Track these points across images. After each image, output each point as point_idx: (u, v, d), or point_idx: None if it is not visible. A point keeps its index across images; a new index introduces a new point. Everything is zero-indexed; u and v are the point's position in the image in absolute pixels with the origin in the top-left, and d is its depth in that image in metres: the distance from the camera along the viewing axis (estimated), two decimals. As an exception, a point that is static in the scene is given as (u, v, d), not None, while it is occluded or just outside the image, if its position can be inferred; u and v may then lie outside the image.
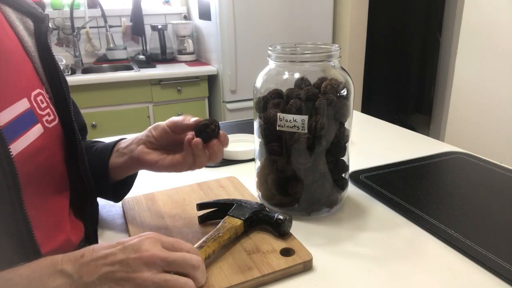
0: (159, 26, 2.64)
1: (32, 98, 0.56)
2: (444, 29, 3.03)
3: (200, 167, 0.61)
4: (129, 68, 2.54)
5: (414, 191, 0.77)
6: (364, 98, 2.75)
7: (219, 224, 0.60)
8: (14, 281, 0.42)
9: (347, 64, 2.51)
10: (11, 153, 0.47)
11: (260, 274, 0.52)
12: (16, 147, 0.51)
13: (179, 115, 0.63)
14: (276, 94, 0.66)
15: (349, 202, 0.75)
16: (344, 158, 0.70)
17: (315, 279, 0.54)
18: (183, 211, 0.70)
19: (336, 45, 0.67)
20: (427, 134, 1.24)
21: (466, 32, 1.89)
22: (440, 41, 3.12)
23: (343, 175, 0.71)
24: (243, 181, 0.81)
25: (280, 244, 0.59)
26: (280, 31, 2.35)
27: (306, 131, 0.62)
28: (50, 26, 2.49)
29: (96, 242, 0.66)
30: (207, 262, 0.54)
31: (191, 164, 0.60)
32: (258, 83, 0.69)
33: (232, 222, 0.60)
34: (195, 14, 2.72)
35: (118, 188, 0.71)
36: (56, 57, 0.62)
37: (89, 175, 0.65)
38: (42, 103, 0.58)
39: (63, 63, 2.40)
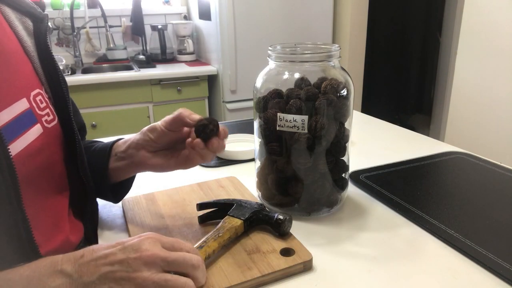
0: (159, 26, 2.64)
1: (31, 98, 0.56)
2: (444, 29, 3.03)
3: (205, 162, 0.63)
4: (129, 68, 2.54)
5: (414, 191, 0.77)
6: (364, 98, 2.74)
7: (219, 224, 0.60)
8: (14, 281, 0.42)
9: (347, 64, 2.51)
10: (10, 153, 0.47)
11: (260, 274, 0.52)
12: (16, 147, 0.51)
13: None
14: (276, 94, 0.66)
15: (349, 202, 0.75)
16: (344, 158, 0.70)
17: (315, 279, 0.54)
18: (183, 211, 0.70)
19: (336, 45, 0.67)
20: (427, 134, 1.24)
21: (466, 32, 1.89)
22: (440, 41, 3.12)
23: (343, 175, 0.71)
24: (243, 181, 0.81)
25: (280, 244, 0.59)
26: (280, 31, 2.35)
27: (306, 131, 0.62)
28: (50, 26, 2.49)
29: (96, 242, 0.66)
30: (207, 262, 0.54)
31: (196, 162, 0.63)
32: (258, 83, 0.69)
33: (232, 222, 0.60)
34: (195, 14, 2.72)
35: (117, 189, 0.71)
36: (56, 57, 0.62)
37: (89, 175, 0.65)
38: (42, 103, 0.58)
39: (63, 63, 2.40)
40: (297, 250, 0.57)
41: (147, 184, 0.82)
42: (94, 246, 0.46)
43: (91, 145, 0.71)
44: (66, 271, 0.43)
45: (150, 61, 2.58)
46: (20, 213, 0.48)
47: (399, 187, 0.79)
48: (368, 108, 2.80)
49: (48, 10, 2.55)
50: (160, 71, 2.37)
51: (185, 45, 2.69)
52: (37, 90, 0.58)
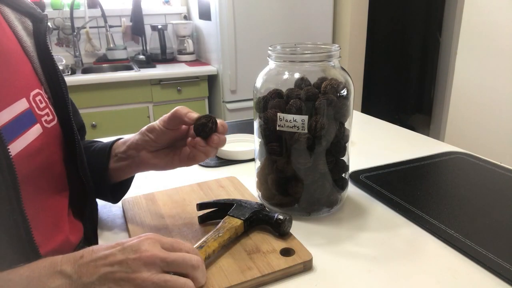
0: (159, 26, 2.64)
1: (31, 98, 0.56)
2: (444, 29, 3.03)
3: (208, 157, 0.63)
4: (129, 68, 2.54)
5: (414, 191, 0.77)
6: (364, 98, 2.74)
7: (219, 224, 0.60)
8: (13, 282, 0.42)
9: (347, 64, 2.51)
10: (10, 153, 0.47)
11: (260, 274, 0.52)
12: (15, 147, 0.50)
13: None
14: (276, 94, 0.66)
15: (349, 202, 0.75)
16: (344, 158, 0.70)
17: (315, 279, 0.54)
18: (183, 211, 0.70)
19: (336, 45, 0.67)
20: (427, 134, 1.24)
21: (466, 32, 1.89)
22: (440, 41, 3.12)
23: (343, 175, 0.71)
24: (243, 181, 0.81)
25: (280, 244, 0.59)
26: (280, 31, 2.35)
27: (306, 131, 0.62)
28: (50, 26, 2.49)
29: (96, 242, 0.66)
30: (207, 262, 0.54)
31: (199, 159, 0.63)
32: (258, 83, 0.69)
33: (232, 222, 0.60)
34: (195, 14, 2.72)
35: (117, 189, 0.71)
36: (56, 57, 0.62)
37: (88, 175, 0.65)
38: (41, 103, 0.58)
39: (63, 63, 2.40)
40: (297, 250, 0.57)
41: (147, 184, 0.82)
42: (93, 247, 0.46)
43: (90, 145, 0.71)
44: (65, 272, 0.43)
45: (150, 61, 2.58)
46: (20, 213, 0.48)
47: (399, 187, 0.79)
48: (368, 108, 2.80)
49: (48, 10, 2.55)
50: (160, 71, 2.37)
51: (185, 45, 2.69)
52: (37, 90, 0.58)
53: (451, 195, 0.76)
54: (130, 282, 0.43)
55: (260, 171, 0.73)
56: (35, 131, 0.55)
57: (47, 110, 0.59)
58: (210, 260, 0.55)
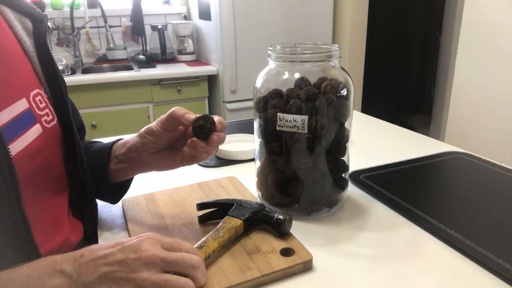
0: (159, 26, 2.64)
1: (31, 98, 0.56)
2: (444, 29, 3.03)
3: (210, 155, 0.64)
4: (129, 68, 2.54)
5: (414, 191, 0.77)
6: (364, 98, 2.74)
7: (219, 224, 0.60)
8: (14, 281, 0.42)
9: (347, 64, 2.51)
10: (10, 153, 0.47)
11: (260, 274, 0.52)
12: (15, 147, 0.51)
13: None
14: (276, 94, 0.66)
15: (349, 202, 0.75)
16: (344, 158, 0.70)
17: (315, 279, 0.54)
18: (183, 211, 0.70)
19: (336, 45, 0.67)
20: (427, 134, 1.24)
21: (466, 32, 1.89)
22: (440, 41, 3.12)
23: (343, 175, 0.71)
24: (243, 181, 0.81)
25: (280, 244, 0.59)
26: (280, 31, 2.35)
27: (306, 131, 0.62)
28: (50, 26, 2.49)
29: (96, 242, 0.66)
30: (207, 262, 0.54)
31: (200, 158, 0.63)
32: (258, 83, 0.69)
33: (232, 222, 0.60)
34: (195, 14, 2.72)
35: (116, 189, 0.71)
36: (56, 57, 0.62)
37: (88, 175, 0.65)
38: (41, 103, 0.58)
39: (63, 63, 2.40)
40: (297, 250, 0.57)
41: (147, 184, 0.82)
42: (93, 246, 0.46)
43: (90, 145, 0.71)
44: (65, 271, 0.43)
45: (150, 61, 2.58)
46: (20, 213, 0.48)
47: (399, 187, 0.79)
48: (368, 108, 2.80)
49: (48, 10, 2.55)
50: (160, 71, 2.37)
51: (185, 45, 2.69)
52: (37, 90, 0.58)
53: (451, 195, 0.76)
54: (129, 282, 0.43)
55: (260, 171, 0.73)
56: (35, 131, 0.55)
57: (47, 110, 0.59)
58: (210, 260, 0.55)
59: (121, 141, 0.68)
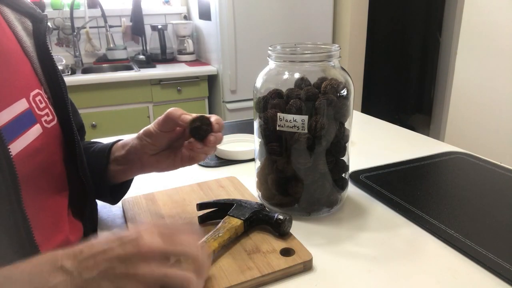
0: (159, 26, 2.64)
1: (30, 98, 0.56)
2: (444, 29, 3.03)
3: (208, 155, 0.64)
4: (129, 68, 2.54)
5: (414, 191, 0.77)
6: (364, 98, 2.74)
7: (219, 224, 0.60)
8: (15, 278, 0.42)
9: (347, 64, 2.51)
10: (10, 153, 0.47)
11: (260, 274, 0.52)
12: (15, 147, 0.51)
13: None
14: (276, 94, 0.66)
15: (349, 202, 0.75)
16: (344, 158, 0.70)
17: (315, 279, 0.54)
18: (183, 211, 0.70)
19: (336, 45, 0.67)
20: (427, 134, 1.24)
21: (466, 32, 1.89)
22: (440, 41, 3.12)
23: (343, 175, 0.71)
24: (243, 181, 0.81)
25: (280, 244, 0.59)
26: (280, 31, 2.35)
27: (306, 131, 0.62)
28: (50, 26, 2.49)
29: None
30: (207, 262, 0.54)
31: (199, 159, 0.64)
32: (258, 83, 0.69)
33: (232, 222, 0.60)
34: (195, 14, 2.72)
35: (116, 190, 0.71)
36: (56, 57, 0.62)
37: (88, 175, 0.65)
38: (41, 103, 0.58)
39: (63, 63, 2.40)
40: (297, 250, 0.57)
41: (147, 184, 0.82)
42: (93, 241, 0.46)
43: (90, 146, 0.71)
44: (66, 268, 0.43)
45: (150, 61, 2.58)
46: (20, 213, 0.48)
47: (399, 187, 0.79)
48: (368, 108, 2.80)
49: (48, 10, 2.55)
50: (160, 71, 2.37)
51: (185, 45, 2.69)
52: (37, 90, 0.58)
53: (451, 195, 0.76)
54: (129, 277, 0.43)
55: (260, 171, 0.73)
56: (35, 131, 0.55)
57: (47, 110, 0.59)
58: (210, 260, 0.55)
59: (121, 142, 0.68)
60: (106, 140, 0.72)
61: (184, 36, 2.71)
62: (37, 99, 0.57)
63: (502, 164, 0.88)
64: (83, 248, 0.44)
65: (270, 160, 0.69)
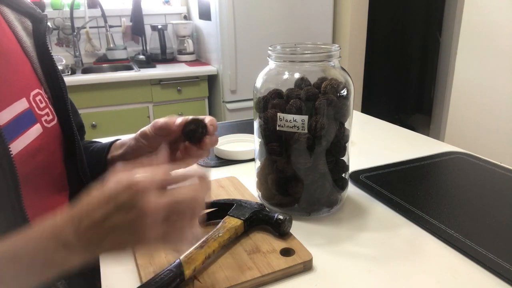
0: (159, 26, 2.64)
1: (31, 98, 0.56)
2: (444, 29, 3.03)
3: (204, 157, 0.63)
4: (129, 68, 2.54)
5: (414, 191, 0.77)
6: (364, 98, 2.74)
7: (219, 224, 0.60)
8: (20, 255, 0.41)
9: (347, 64, 2.51)
10: (11, 153, 0.47)
11: (260, 274, 0.52)
12: (16, 146, 0.51)
13: (179, 114, 0.63)
14: (276, 94, 0.66)
15: (349, 202, 0.75)
16: (344, 158, 0.70)
17: (315, 279, 0.54)
18: (183, 211, 0.70)
19: (336, 45, 0.67)
20: (427, 134, 1.24)
21: (466, 32, 1.89)
22: (440, 41, 3.12)
23: (343, 175, 0.71)
24: (243, 181, 0.81)
25: (280, 244, 0.59)
26: (280, 31, 2.35)
27: (306, 131, 0.62)
28: (50, 26, 2.49)
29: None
30: (207, 262, 0.54)
31: (194, 161, 0.62)
32: (258, 83, 0.69)
33: (232, 222, 0.60)
34: (195, 14, 2.72)
35: None
36: (55, 57, 0.62)
37: (88, 175, 0.65)
38: (41, 103, 0.58)
39: (63, 63, 2.40)
40: (297, 250, 0.57)
41: (147, 184, 0.82)
42: (88, 203, 0.43)
43: (89, 145, 0.71)
44: (69, 244, 0.42)
45: (150, 61, 2.58)
46: (20, 212, 0.48)
47: (399, 187, 0.79)
48: (368, 108, 2.80)
49: (48, 10, 2.55)
50: (160, 71, 2.37)
51: (185, 45, 2.69)
52: (37, 90, 0.58)
53: (451, 195, 0.76)
54: (134, 241, 0.43)
55: (260, 171, 0.73)
56: (35, 130, 0.55)
57: (47, 110, 0.59)
58: (210, 260, 0.55)
59: (119, 142, 0.68)
60: (105, 140, 0.72)
61: (184, 36, 2.71)
62: (37, 98, 0.57)
63: (502, 164, 0.88)
64: (81, 216, 0.42)
65: (270, 160, 0.69)
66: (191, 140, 0.58)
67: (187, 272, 0.50)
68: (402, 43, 3.40)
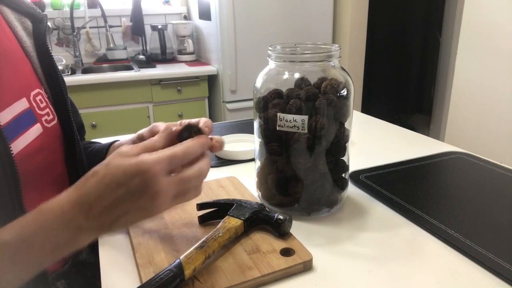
0: (159, 26, 2.64)
1: (31, 98, 0.56)
2: (444, 29, 3.04)
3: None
4: (129, 68, 2.54)
5: (414, 191, 0.77)
6: (364, 98, 2.75)
7: (219, 224, 0.60)
8: (31, 241, 0.41)
9: (347, 64, 2.51)
10: (12, 152, 0.47)
11: (260, 274, 0.52)
12: (16, 146, 0.51)
13: (179, 115, 0.63)
14: (276, 94, 0.66)
15: (349, 202, 0.75)
16: (344, 158, 0.70)
17: (315, 279, 0.54)
18: (183, 211, 0.70)
19: (336, 45, 0.67)
20: (427, 134, 1.24)
21: (466, 32, 1.89)
22: (440, 41, 3.12)
23: (343, 175, 0.71)
24: (243, 181, 0.81)
25: (280, 244, 0.59)
26: (280, 31, 2.35)
27: (306, 131, 0.62)
28: (50, 26, 2.49)
29: (96, 243, 0.66)
30: (207, 262, 0.54)
31: None
32: (258, 83, 0.69)
33: (232, 222, 0.60)
34: (195, 14, 2.72)
35: None
36: (55, 57, 0.62)
37: (88, 175, 0.65)
38: (41, 102, 0.58)
39: (63, 63, 2.40)
40: (297, 250, 0.57)
41: (147, 184, 0.82)
42: (97, 189, 0.43)
43: (88, 146, 0.71)
44: (81, 227, 0.42)
45: (150, 61, 2.59)
46: (21, 212, 0.48)
47: (399, 187, 0.79)
48: (368, 108, 2.80)
49: (48, 10, 2.55)
50: (160, 71, 2.37)
51: (185, 45, 2.69)
52: (37, 90, 0.58)
53: (451, 195, 0.76)
54: (146, 218, 0.45)
55: (260, 171, 0.73)
56: (35, 130, 0.55)
57: (47, 110, 0.59)
58: (210, 260, 0.55)
59: (117, 143, 0.68)
60: (105, 140, 0.72)
61: (184, 36, 2.71)
62: (37, 98, 0.57)
63: (502, 164, 0.88)
64: (90, 201, 0.42)
65: (270, 160, 0.69)
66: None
67: (187, 272, 0.50)
68: (402, 43, 3.40)
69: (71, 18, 2.49)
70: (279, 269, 0.53)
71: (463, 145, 0.99)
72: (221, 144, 0.56)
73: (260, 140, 0.70)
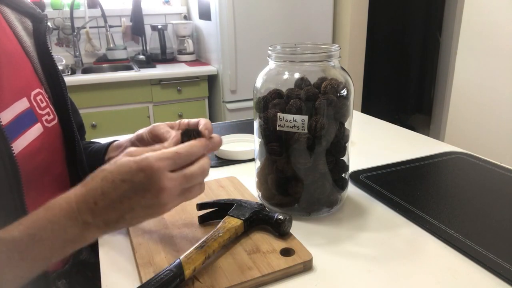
0: (159, 26, 2.64)
1: (31, 97, 0.56)
2: (444, 29, 3.03)
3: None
4: (129, 68, 2.54)
5: (414, 191, 0.77)
6: (364, 98, 2.74)
7: (219, 224, 0.60)
8: (39, 236, 0.42)
9: (347, 64, 2.51)
10: (13, 152, 0.47)
11: (260, 274, 0.52)
12: (17, 146, 0.51)
13: (179, 115, 0.63)
14: (276, 94, 0.66)
15: (349, 202, 0.75)
16: (344, 158, 0.70)
17: (315, 279, 0.54)
18: (183, 211, 0.70)
19: (336, 45, 0.67)
20: (427, 134, 1.24)
21: (466, 32, 1.89)
22: (440, 41, 3.12)
23: (343, 175, 0.71)
24: (243, 181, 0.81)
25: (280, 244, 0.59)
26: (280, 31, 2.35)
27: (306, 131, 0.62)
28: (50, 26, 2.49)
29: (96, 243, 0.66)
30: (207, 262, 0.54)
31: None
32: (258, 83, 0.69)
33: (232, 222, 0.60)
34: (195, 14, 2.72)
35: None
36: (56, 57, 0.63)
37: (88, 174, 0.65)
38: (42, 102, 0.58)
39: (63, 63, 2.40)
40: (297, 250, 0.57)
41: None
42: (102, 186, 0.44)
43: (87, 146, 0.71)
44: (88, 222, 0.43)
45: (150, 61, 2.59)
46: (22, 211, 0.48)
47: (399, 187, 0.79)
48: (368, 108, 2.80)
49: (48, 10, 2.55)
50: (160, 71, 2.37)
51: (185, 45, 2.69)
52: (37, 90, 0.58)
53: (451, 195, 0.76)
54: (152, 216, 0.46)
55: (260, 171, 0.73)
56: (36, 130, 0.55)
57: (47, 110, 0.59)
58: (210, 260, 0.55)
59: (116, 143, 0.69)
60: (105, 140, 0.72)
61: (184, 36, 2.71)
62: (38, 98, 0.57)
63: (502, 164, 0.88)
64: (95, 197, 0.43)
65: (270, 160, 0.69)
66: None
67: (187, 272, 0.50)
68: (402, 43, 3.40)
69: (71, 18, 2.49)
70: (279, 269, 0.53)
71: (463, 145, 0.99)
72: (210, 130, 0.57)
73: (260, 140, 0.70)
